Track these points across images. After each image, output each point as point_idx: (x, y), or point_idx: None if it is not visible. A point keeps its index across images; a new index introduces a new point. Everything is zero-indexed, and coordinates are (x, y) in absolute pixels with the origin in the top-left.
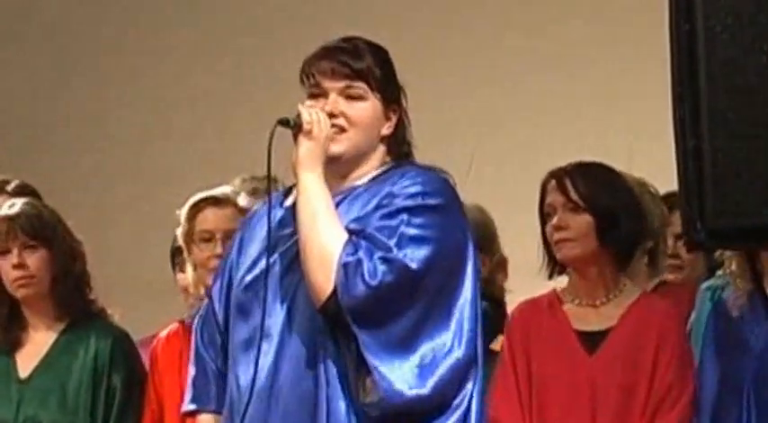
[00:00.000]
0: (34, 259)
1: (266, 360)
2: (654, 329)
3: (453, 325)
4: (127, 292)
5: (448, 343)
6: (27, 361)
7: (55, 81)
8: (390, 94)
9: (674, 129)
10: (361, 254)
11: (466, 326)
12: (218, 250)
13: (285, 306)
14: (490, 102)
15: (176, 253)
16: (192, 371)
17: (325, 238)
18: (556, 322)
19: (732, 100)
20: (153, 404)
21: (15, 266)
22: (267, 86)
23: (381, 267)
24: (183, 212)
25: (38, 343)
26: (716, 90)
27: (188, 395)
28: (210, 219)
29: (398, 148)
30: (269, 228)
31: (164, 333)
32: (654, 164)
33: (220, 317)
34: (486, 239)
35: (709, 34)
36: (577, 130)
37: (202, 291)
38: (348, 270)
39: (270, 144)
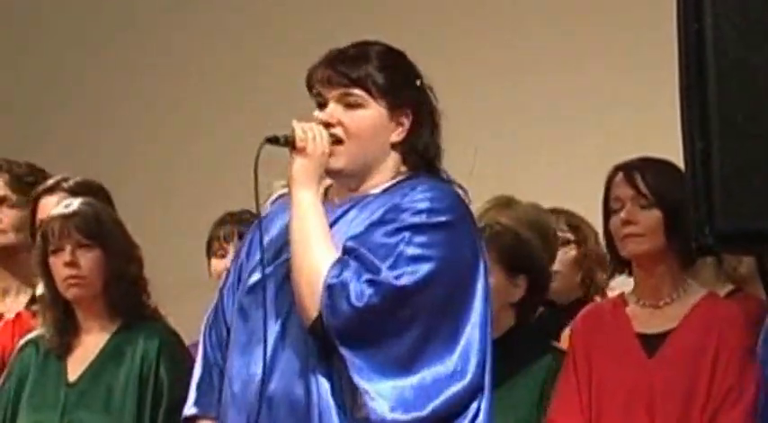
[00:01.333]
0: (87, 259)
1: (259, 367)
2: (715, 331)
3: (459, 349)
4: (176, 295)
5: (452, 367)
6: (77, 365)
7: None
8: (400, 98)
9: (681, 130)
10: (347, 275)
11: (473, 351)
12: None
13: (282, 315)
14: (492, 101)
15: (210, 243)
16: (197, 372)
17: (313, 259)
18: (617, 325)
19: (741, 101)
20: None
21: (67, 264)
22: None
23: (368, 290)
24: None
25: (88, 347)
26: (725, 91)
27: (191, 398)
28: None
29: (414, 156)
30: (261, 247)
31: None
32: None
33: (229, 319)
34: (543, 239)
35: (719, 34)
36: (581, 131)
37: None
38: (333, 292)
39: (256, 163)
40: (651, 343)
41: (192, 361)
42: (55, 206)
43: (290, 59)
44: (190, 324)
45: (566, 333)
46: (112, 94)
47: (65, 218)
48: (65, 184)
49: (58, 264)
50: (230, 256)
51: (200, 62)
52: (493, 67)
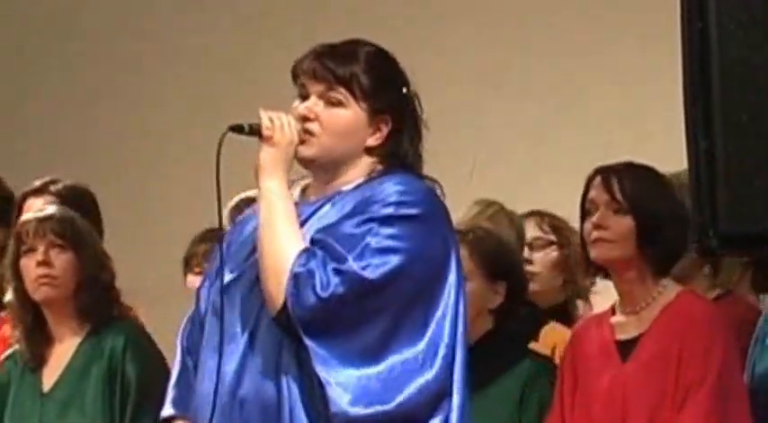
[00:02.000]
0: (61, 260)
1: (231, 365)
2: (681, 330)
3: (425, 341)
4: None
5: (419, 358)
6: (51, 374)
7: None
8: (381, 103)
9: (685, 131)
10: (313, 264)
11: (441, 345)
12: None
13: (254, 314)
14: (493, 102)
15: (189, 259)
16: (174, 374)
17: (279, 247)
18: (601, 334)
19: (746, 100)
20: None
21: (40, 264)
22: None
23: (334, 279)
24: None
25: (61, 354)
26: (729, 90)
27: (168, 398)
28: None
29: (394, 160)
30: (220, 246)
31: None
32: (664, 167)
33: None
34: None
35: (723, 32)
36: (584, 132)
37: None
38: (299, 281)
39: (218, 151)
40: (626, 348)
41: (162, 357)
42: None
43: (279, 63)
44: (170, 329)
45: (544, 330)
46: (95, 94)
47: (40, 220)
48: (53, 188)
49: (29, 265)
50: None
51: (186, 63)
52: (496, 67)
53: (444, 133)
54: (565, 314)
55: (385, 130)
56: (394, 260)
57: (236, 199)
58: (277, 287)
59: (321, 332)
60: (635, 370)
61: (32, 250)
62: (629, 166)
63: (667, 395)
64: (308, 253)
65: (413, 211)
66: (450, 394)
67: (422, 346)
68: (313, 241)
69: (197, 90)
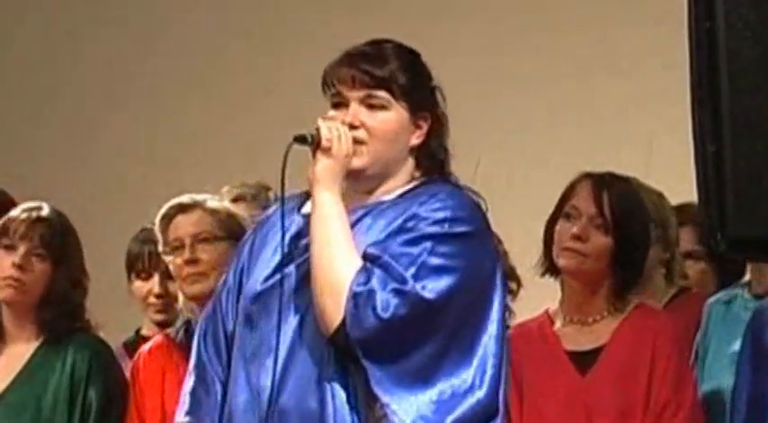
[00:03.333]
0: (37, 269)
1: (269, 378)
2: (648, 344)
3: (476, 361)
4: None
5: (469, 380)
6: (2, 375)
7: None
8: (419, 101)
9: (693, 133)
10: (373, 284)
11: (489, 364)
12: (187, 256)
13: (296, 322)
14: (497, 103)
15: (134, 261)
16: (190, 381)
17: (337, 264)
18: (546, 345)
19: (755, 102)
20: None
21: (14, 265)
22: (273, 91)
23: (394, 300)
24: (156, 226)
25: (14, 356)
26: (738, 91)
27: (183, 406)
28: (180, 226)
29: (429, 161)
30: (282, 250)
31: (147, 346)
32: (671, 170)
33: (229, 326)
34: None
35: (731, 32)
36: (590, 134)
37: (181, 303)
38: (359, 301)
39: (284, 164)
40: (582, 360)
41: (123, 378)
42: None
43: (273, 69)
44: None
45: None
46: (56, 93)
47: (32, 222)
48: None
49: (4, 261)
50: (155, 278)
51: (159, 59)
52: (500, 68)
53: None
54: None
55: (425, 127)
56: (449, 280)
57: (165, 207)
58: (334, 306)
59: (379, 354)
60: (597, 383)
61: (12, 248)
62: (618, 180)
63: (636, 409)
64: (366, 271)
65: (464, 228)
66: (497, 412)
67: (473, 366)
68: (367, 257)
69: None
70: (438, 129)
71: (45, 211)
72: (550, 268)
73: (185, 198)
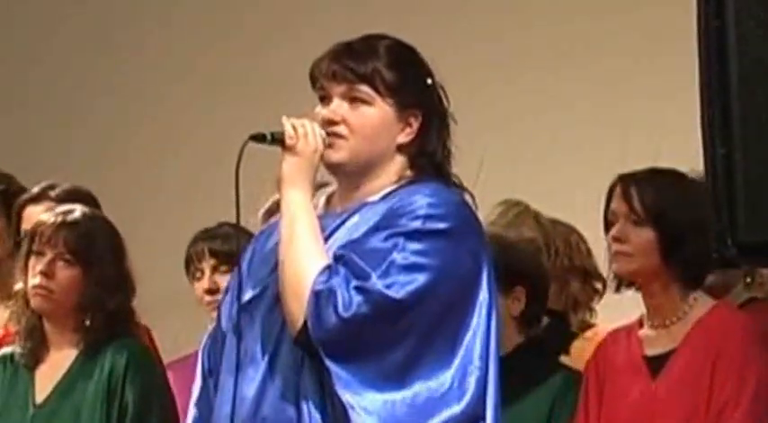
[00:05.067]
0: (64, 275)
1: (252, 387)
2: (713, 347)
3: (457, 362)
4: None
5: (447, 384)
6: (45, 384)
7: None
8: (408, 97)
9: (702, 135)
10: (335, 282)
11: (472, 368)
12: None
13: (274, 333)
14: (501, 101)
15: (189, 262)
16: (196, 390)
17: (301, 263)
18: (629, 349)
19: (766, 103)
20: None
21: (41, 273)
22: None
23: (357, 298)
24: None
25: (56, 364)
26: (748, 92)
27: (190, 416)
28: None
29: (424, 159)
30: (239, 264)
31: None
32: (683, 170)
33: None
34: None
35: (741, 31)
36: (596, 135)
37: None
38: (320, 299)
39: (238, 163)
40: (655, 365)
41: (164, 380)
42: (40, 215)
43: (281, 61)
44: (170, 340)
45: (575, 345)
46: (90, 95)
47: (58, 225)
48: (51, 193)
49: (34, 268)
50: (207, 276)
51: (186, 63)
52: (505, 65)
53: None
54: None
55: (415, 125)
56: (421, 278)
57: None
58: (297, 306)
59: (343, 354)
60: (665, 387)
61: (40, 254)
62: (652, 173)
63: (699, 414)
64: (329, 270)
65: (441, 225)
66: (484, 418)
67: (450, 372)
68: (336, 257)
69: (198, 98)
70: (433, 127)
71: (74, 215)
72: (621, 281)
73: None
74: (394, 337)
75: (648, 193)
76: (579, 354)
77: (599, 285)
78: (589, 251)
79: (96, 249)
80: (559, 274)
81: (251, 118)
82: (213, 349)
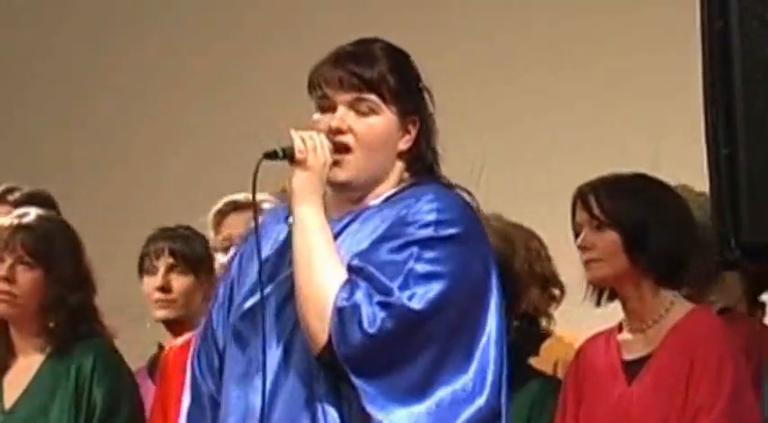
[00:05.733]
0: (26, 278)
1: (259, 397)
2: (691, 349)
3: (474, 366)
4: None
5: (468, 387)
6: (12, 389)
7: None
8: (408, 104)
9: (705, 136)
10: (358, 298)
11: (489, 370)
12: None
13: (283, 340)
14: (501, 101)
15: (143, 259)
16: (186, 399)
17: (320, 279)
18: (607, 354)
19: None
20: (158, 417)
21: (1, 279)
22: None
23: (381, 314)
24: (209, 221)
25: (23, 369)
26: (752, 92)
27: None
28: (232, 225)
29: (419, 163)
30: (260, 269)
31: (179, 341)
32: (682, 174)
33: (220, 341)
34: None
35: (745, 31)
36: (596, 135)
37: None
38: (344, 316)
39: (254, 180)
40: (633, 369)
41: (131, 379)
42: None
43: (281, 61)
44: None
45: (545, 345)
46: (90, 95)
47: (14, 229)
48: (10, 197)
49: None
50: (161, 273)
51: (186, 63)
52: (506, 67)
53: (449, 136)
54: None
55: (413, 131)
56: (438, 286)
57: (221, 202)
58: (319, 323)
59: (369, 370)
60: (641, 391)
61: (2, 260)
62: (607, 179)
63: (675, 417)
64: (351, 285)
65: (452, 230)
66: (500, 417)
67: (470, 373)
68: (351, 269)
69: (182, 106)
70: (426, 131)
71: (28, 218)
72: (600, 294)
73: (241, 196)
74: (416, 349)
75: (605, 198)
76: (547, 355)
77: (557, 292)
78: (548, 257)
79: (55, 250)
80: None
81: (251, 118)
82: (204, 357)
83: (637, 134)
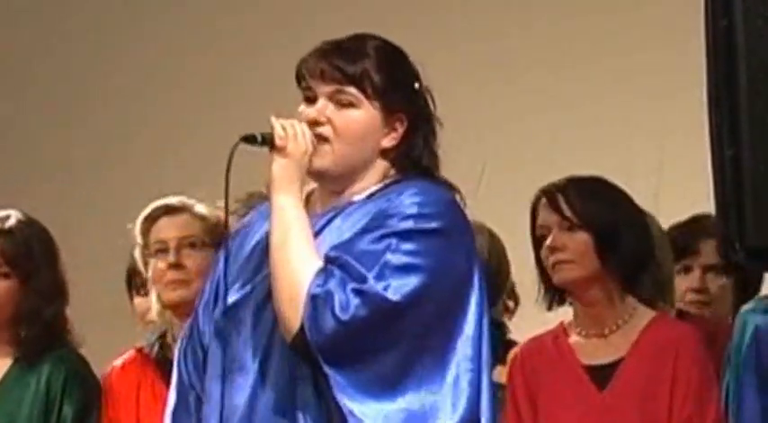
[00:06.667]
0: (1, 288)
1: (241, 396)
2: (669, 357)
3: (450, 374)
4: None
5: (442, 389)
6: None
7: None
8: (395, 101)
9: (709, 136)
10: (332, 285)
11: (465, 374)
12: (171, 259)
13: (264, 338)
14: (501, 101)
15: (132, 275)
16: (172, 399)
17: (295, 266)
18: (561, 358)
19: None
20: None
21: None
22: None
23: (354, 300)
24: (137, 227)
25: None
26: (757, 93)
27: None
28: (165, 228)
29: (408, 162)
30: (225, 265)
31: (119, 361)
32: (685, 175)
33: (206, 339)
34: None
35: (750, 30)
36: (596, 135)
37: (156, 312)
38: (317, 303)
39: (229, 164)
40: (600, 375)
41: (100, 388)
42: None
43: (281, 61)
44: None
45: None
46: (90, 95)
47: None
48: None
49: None
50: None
51: (185, 63)
52: (507, 69)
53: (449, 138)
54: None
55: (400, 129)
56: (415, 280)
57: (149, 208)
58: (293, 310)
59: (340, 359)
60: (616, 397)
61: None
62: (573, 181)
63: (659, 421)
64: (325, 273)
65: (433, 224)
66: (479, 421)
67: (445, 376)
68: (328, 259)
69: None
70: (419, 132)
71: (8, 224)
72: (554, 298)
73: (173, 199)
74: (390, 341)
75: (575, 199)
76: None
77: (511, 304)
78: (507, 271)
79: (33, 258)
80: None
81: (250, 118)
82: (190, 355)
83: (638, 134)
